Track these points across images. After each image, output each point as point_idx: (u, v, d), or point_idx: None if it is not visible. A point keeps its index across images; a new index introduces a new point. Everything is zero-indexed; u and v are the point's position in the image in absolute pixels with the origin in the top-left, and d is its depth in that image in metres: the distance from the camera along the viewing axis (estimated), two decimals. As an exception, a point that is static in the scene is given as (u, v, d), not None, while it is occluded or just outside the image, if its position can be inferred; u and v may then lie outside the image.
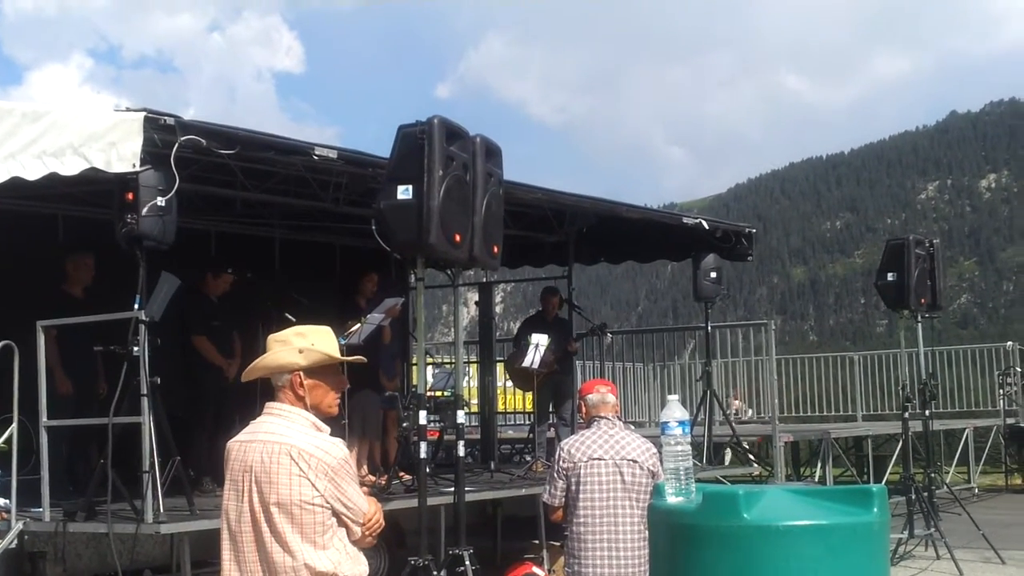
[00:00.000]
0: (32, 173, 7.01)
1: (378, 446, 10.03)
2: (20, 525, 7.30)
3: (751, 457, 13.38)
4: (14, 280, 9.14)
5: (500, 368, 12.76)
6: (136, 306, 6.93)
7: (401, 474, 9.18)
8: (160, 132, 6.77)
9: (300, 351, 3.81)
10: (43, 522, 7.26)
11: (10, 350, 7.31)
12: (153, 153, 6.76)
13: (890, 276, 11.37)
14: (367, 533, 3.81)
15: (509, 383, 13.22)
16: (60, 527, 7.16)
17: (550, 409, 11.74)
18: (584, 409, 6.31)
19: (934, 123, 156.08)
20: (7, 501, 7.48)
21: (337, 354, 3.89)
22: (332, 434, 3.84)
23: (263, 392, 4.01)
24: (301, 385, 3.80)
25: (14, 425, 7.38)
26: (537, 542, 9.63)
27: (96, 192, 8.08)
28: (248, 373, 3.96)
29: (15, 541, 7.33)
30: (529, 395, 12.09)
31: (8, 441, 7.44)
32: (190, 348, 9.17)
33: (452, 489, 7.75)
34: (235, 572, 3.76)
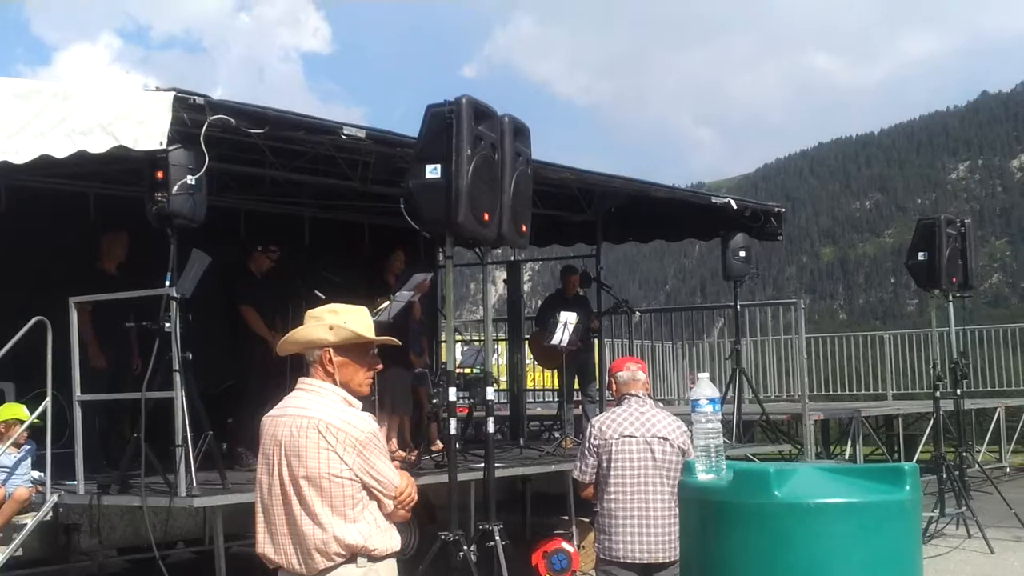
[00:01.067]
0: (61, 151, 7.04)
1: (408, 421, 10.07)
2: (55, 498, 7.41)
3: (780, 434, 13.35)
4: (47, 257, 9.24)
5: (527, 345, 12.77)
6: (167, 283, 6.98)
7: (435, 444, 9.24)
8: (190, 111, 6.79)
9: (331, 327, 3.83)
10: (78, 495, 7.35)
11: (43, 326, 7.38)
12: (183, 132, 6.79)
13: (921, 256, 11.32)
14: (400, 506, 3.84)
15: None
16: (94, 500, 7.25)
17: (575, 387, 11.76)
18: (614, 386, 6.28)
19: (965, 103, 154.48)
20: (42, 474, 7.60)
21: (369, 334, 3.90)
22: (363, 409, 3.87)
23: (294, 368, 4.05)
24: (330, 361, 3.82)
25: (48, 400, 7.47)
26: (566, 518, 9.66)
27: (127, 171, 8.13)
28: (281, 347, 4.00)
29: (50, 513, 7.44)
30: (556, 372, 12.09)
31: (43, 416, 7.53)
32: (238, 321, 9.21)
33: (482, 465, 7.78)
34: (268, 545, 3.79)
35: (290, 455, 3.72)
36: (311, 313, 3.96)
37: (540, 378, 15.37)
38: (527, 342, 12.30)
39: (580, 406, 11.74)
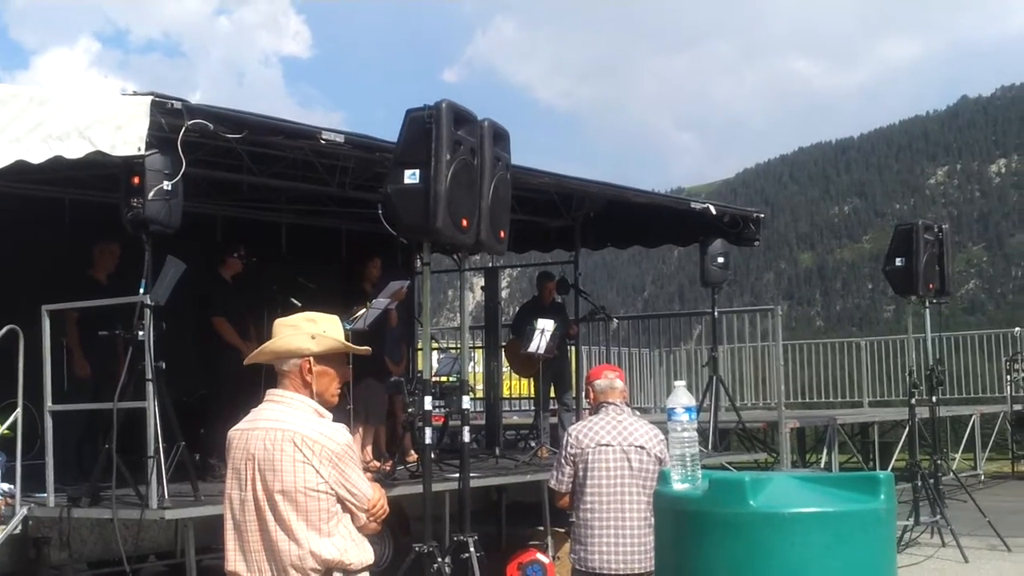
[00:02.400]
0: (37, 156, 6.98)
1: (383, 431, 10.03)
2: (24, 510, 7.31)
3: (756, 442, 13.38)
4: (21, 263, 9.16)
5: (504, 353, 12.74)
6: (141, 290, 6.92)
7: (410, 455, 9.19)
8: (167, 116, 6.75)
9: (313, 337, 3.79)
10: (47, 507, 7.26)
11: (15, 334, 7.31)
12: (160, 137, 6.74)
13: (898, 261, 11.36)
14: (371, 519, 3.81)
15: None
16: (64, 512, 7.16)
17: (551, 395, 11.75)
18: (592, 395, 6.27)
19: (944, 107, 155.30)
20: (11, 486, 7.50)
21: (347, 343, 3.89)
22: (335, 419, 3.83)
23: (268, 377, 3.99)
24: (310, 371, 3.78)
25: (18, 410, 7.38)
26: (542, 528, 9.63)
27: (103, 176, 8.08)
28: (255, 356, 3.94)
29: (19, 526, 7.33)
30: (532, 380, 12.08)
31: (13, 427, 7.44)
32: (208, 330, 9.14)
33: (457, 475, 7.75)
34: (240, 561, 3.74)
35: (264, 469, 3.67)
36: (285, 322, 3.90)
37: (516, 386, 15.35)
38: (503, 349, 12.28)
39: (556, 415, 11.72)
